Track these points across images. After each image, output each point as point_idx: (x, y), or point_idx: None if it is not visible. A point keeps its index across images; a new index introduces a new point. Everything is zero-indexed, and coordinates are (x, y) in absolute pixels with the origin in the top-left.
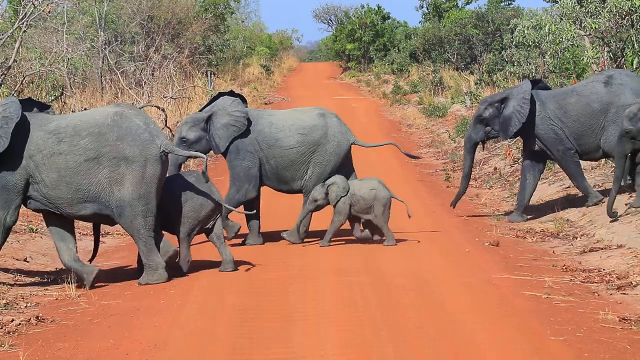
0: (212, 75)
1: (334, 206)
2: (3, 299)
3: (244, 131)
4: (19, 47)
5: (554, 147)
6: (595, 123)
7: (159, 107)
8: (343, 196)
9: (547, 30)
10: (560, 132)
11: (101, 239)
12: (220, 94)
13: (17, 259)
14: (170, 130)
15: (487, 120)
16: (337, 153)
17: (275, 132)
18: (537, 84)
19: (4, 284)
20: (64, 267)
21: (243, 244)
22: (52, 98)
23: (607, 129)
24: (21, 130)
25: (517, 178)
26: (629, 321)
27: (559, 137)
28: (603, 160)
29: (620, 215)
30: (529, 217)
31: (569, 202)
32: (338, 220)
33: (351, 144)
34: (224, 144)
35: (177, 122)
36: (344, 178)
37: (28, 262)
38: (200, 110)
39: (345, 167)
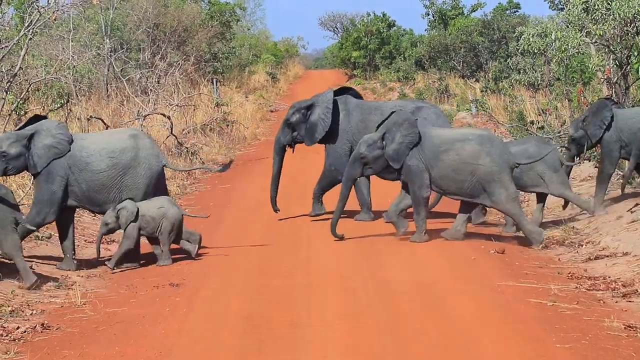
0: (218, 83)
1: (124, 230)
2: (8, 307)
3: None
4: (24, 55)
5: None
6: None
7: (164, 115)
8: (132, 220)
9: (553, 37)
10: (352, 147)
11: (106, 246)
12: (37, 117)
13: None
14: (176, 138)
15: (294, 125)
16: (148, 175)
17: (85, 156)
18: (347, 91)
19: (9, 291)
20: (69, 275)
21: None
22: (58, 105)
23: None
24: None
25: None
26: (634, 329)
27: (349, 150)
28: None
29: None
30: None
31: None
32: (126, 244)
33: (163, 166)
34: (42, 163)
35: (183, 130)
36: (133, 202)
37: (32, 269)
38: (19, 129)
39: (159, 189)
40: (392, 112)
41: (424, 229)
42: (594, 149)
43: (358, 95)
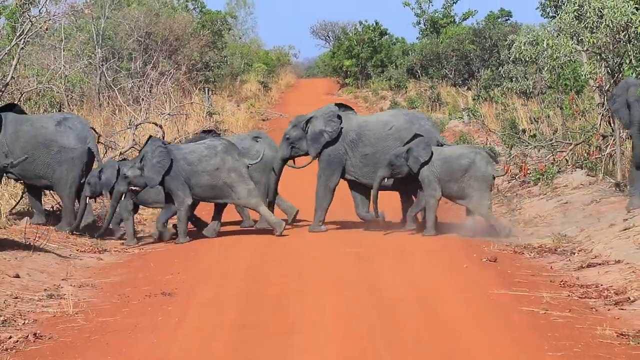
0: (210, 92)
1: None
2: (0, 316)
3: None
4: (16, 64)
5: None
6: (41, 156)
7: (156, 124)
8: None
9: (544, 45)
10: (6, 157)
11: (98, 255)
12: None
13: (15, 276)
14: None
15: None
16: None
17: None
18: (12, 108)
19: (2, 301)
20: (61, 285)
21: None
22: None
23: (53, 166)
24: None
25: (515, 194)
26: (626, 336)
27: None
28: (601, 175)
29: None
30: (529, 232)
31: (566, 217)
32: None
33: None
34: None
35: (175, 139)
36: None
37: (19, 278)
38: None
39: None
40: None
41: None
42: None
43: (22, 111)
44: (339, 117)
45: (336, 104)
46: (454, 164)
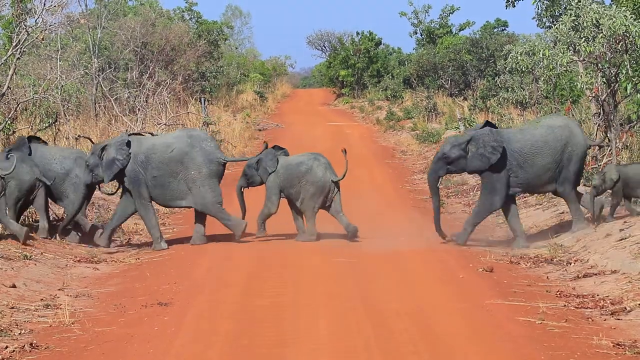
0: (206, 102)
1: None
2: None
3: None
4: (12, 74)
5: None
6: None
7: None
8: None
9: (541, 55)
10: None
11: (94, 265)
12: None
13: (11, 286)
14: None
15: None
16: None
17: None
18: None
19: None
20: (57, 294)
21: None
22: (46, 125)
23: None
24: None
25: None
26: (622, 346)
27: None
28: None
29: None
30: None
31: (562, 227)
32: None
33: None
34: None
35: None
36: None
37: (16, 287)
38: None
39: None
40: None
41: None
42: None
43: None
44: (129, 143)
45: (130, 134)
46: (293, 170)
